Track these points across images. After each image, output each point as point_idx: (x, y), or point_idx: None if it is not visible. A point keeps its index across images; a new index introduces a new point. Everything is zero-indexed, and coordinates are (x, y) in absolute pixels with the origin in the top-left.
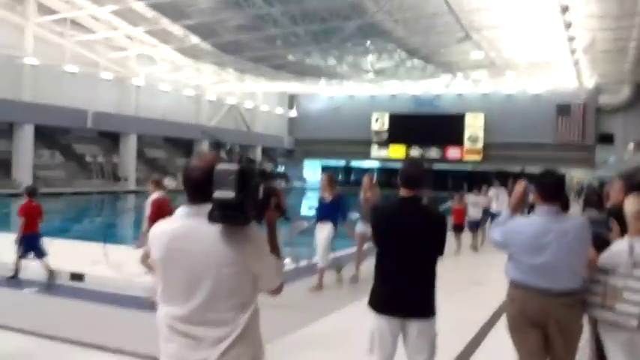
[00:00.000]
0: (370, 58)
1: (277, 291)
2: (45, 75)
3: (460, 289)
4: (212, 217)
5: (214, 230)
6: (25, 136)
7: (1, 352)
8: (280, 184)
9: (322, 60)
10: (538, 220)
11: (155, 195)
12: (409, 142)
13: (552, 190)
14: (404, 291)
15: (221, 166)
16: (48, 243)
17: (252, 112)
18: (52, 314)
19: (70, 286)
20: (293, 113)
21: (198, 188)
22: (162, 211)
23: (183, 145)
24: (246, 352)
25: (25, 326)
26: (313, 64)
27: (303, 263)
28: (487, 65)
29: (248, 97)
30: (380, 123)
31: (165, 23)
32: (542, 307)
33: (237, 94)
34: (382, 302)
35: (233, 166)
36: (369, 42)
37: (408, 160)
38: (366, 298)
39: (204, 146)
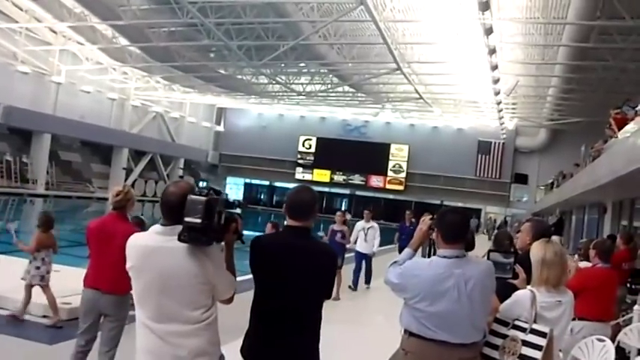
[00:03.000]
0: (302, 79)
1: (229, 301)
2: None
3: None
4: (181, 238)
5: (182, 247)
6: None
7: None
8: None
9: (254, 77)
10: (438, 263)
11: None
12: (334, 167)
13: (455, 231)
14: (284, 339)
15: (192, 197)
16: None
17: (177, 123)
18: None
19: None
20: (220, 127)
21: (172, 211)
22: None
23: (102, 151)
24: (208, 344)
25: None
26: (245, 79)
27: None
28: (415, 98)
29: (175, 107)
30: (307, 145)
31: (94, 21)
32: None
33: (164, 103)
34: (258, 352)
35: (202, 198)
36: (302, 64)
37: (297, 186)
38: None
39: (124, 153)
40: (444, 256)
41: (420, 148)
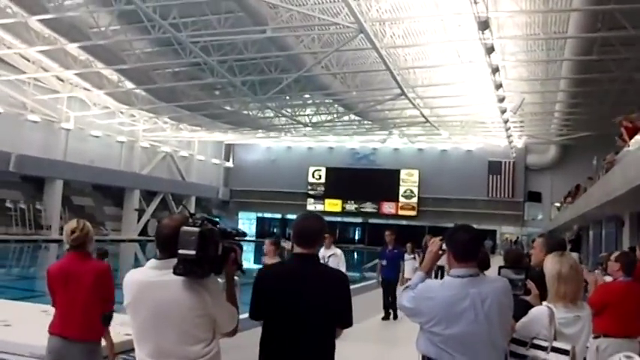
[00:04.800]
0: (307, 111)
1: (232, 333)
2: None
3: (398, 345)
4: (176, 271)
5: (178, 280)
6: None
7: None
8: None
9: (260, 111)
10: (452, 283)
11: None
12: (345, 197)
13: (467, 249)
14: None
15: (185, 228)
16: None
17: (187, 161)
18: None
19: None
20: (229, 164)
21: (166, 244)
22: None
23: (114, 193)
24: None
25: None
26: (251, 114)
27: None
28: (422, 122)
29: (184, 146)
30: (317, 176)
31: (99, 67)
32: None
33: (173, 143)
34: None
35: (195, 229)
36: (306, 95)
37: (304, 214)
38: None
39: (136, 195)
40: (458, 276)
41: (430, 172)
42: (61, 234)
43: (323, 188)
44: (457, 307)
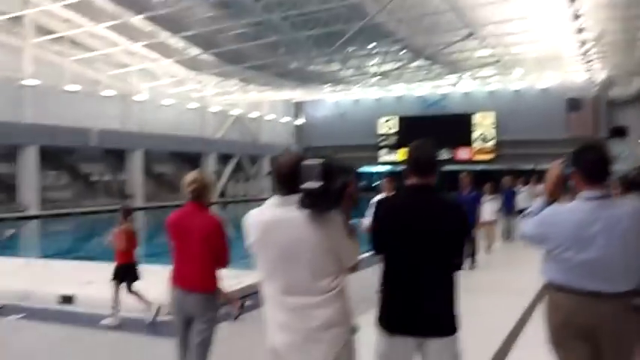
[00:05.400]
0: (374, 60)
1: (354, 269)
2: (46, 95)
3: (478, 295)
4: (302, 204)
5: (302, 215)
6: (29, 157)
7: None
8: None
9: (326, 65)
10: (581, 207)
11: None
12: None
13: (598, 168)
14: (420, 304)
15: (307, 162)
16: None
17: (257, 122)
18: (34, 341)
19: (59, 310)
20: (299, 121)
21: (286, 181)
22: None
23: (190, 159)
24: (340, 314)
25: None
26: (317, 70)
27: None
28: (494, 62)
29: (253, 107)
30: (388, 126)
31: (165, 36)
32: (591, 315)
33: (242, 105)
34: (393, 320)
35: (317, 161)
36: (372, 44)
37: (419, 141)
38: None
39: (211, 159)
40: (587, 198)
41: (505, 115)
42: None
43: (395, 138)
44: (588, 232)
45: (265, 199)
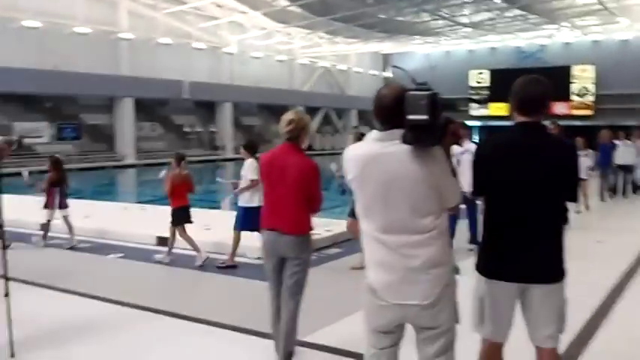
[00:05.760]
0: (466, 10)
1: (454, 209)
2: (140, 49)
3: (580, 248)
4: (406, 139)
5: (404, 150)
6: (126, 109)
7: (83, 318)
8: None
9: (415, 16)
10: None
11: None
12: None
13: None
14: (526, 248)
15: (413, 92)
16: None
17: (345, 75)
18: (133, 280)
19: (155, 250)
20: (387, 74)
21: (388, 114)
22: None
23: (278, 112)
24: (441, 253)
25: (107, 293)
26: (406, 21)
27: None
28: (597, 10)
29: (341, 60)
30: (480, 79)
31: None
32: None
33: (330, 57)
34: (496, 265)
35: (424, 92)
36: None
37: (526, 77)
38: None
39: (308, 119)
40: None
41: (607, 67)
42: (236, 153)
43: (487, 92)
44: None
45: None
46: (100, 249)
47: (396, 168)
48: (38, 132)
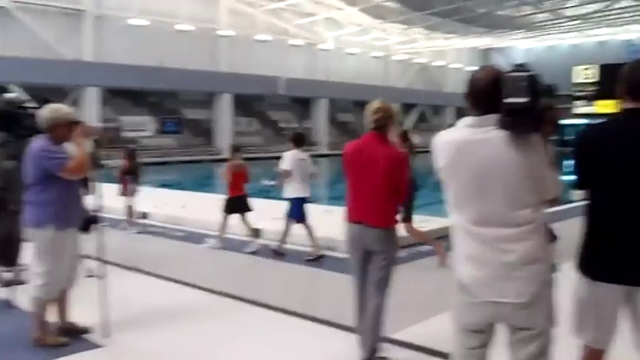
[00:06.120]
0: (572, 2)
1: (553, 202)
2: (239, 45)
3: None
4: (503, 124)
5: (500, 137)
6: (224, 104)
7: (174, 303)
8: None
9: (516, 9)
10: None
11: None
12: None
13: None
14: (635, 249)
15: (513, 74)
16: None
17: (442, 71)
18: (223, 269)
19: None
20: None
21: (481, 98)
22: None
23: None
24: (539, 248)
25: (198, 280)
26: (506, 14)
27: None
28: None
29: (438, 56)
30: (586, 75)
31: None
32: None
33: (426, 54)
34: (600, 265)
35: (524, 74)
36: None
37: (636, 60)
38: None
39: (395, 108)
40: None
41: None
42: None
43: (594, 88)
44: None
45: None
46: (194, 238)
47: (492, 155)
48: (143, 126)
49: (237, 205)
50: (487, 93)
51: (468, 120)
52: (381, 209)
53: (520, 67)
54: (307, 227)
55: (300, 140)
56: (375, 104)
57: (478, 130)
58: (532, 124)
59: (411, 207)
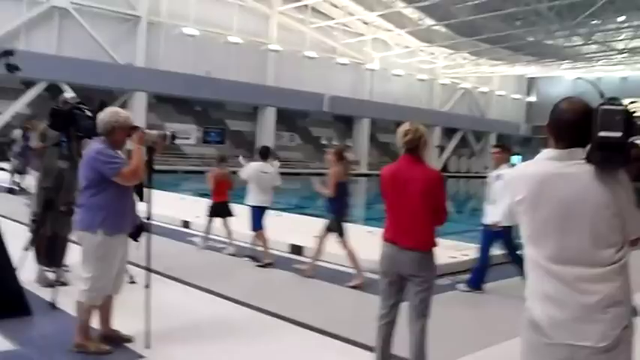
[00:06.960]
0: (623, 35)
1: (637, 242)
2: (286, 60)
3: None
4: (593, 157)
5: (588, 172)
6: (268, 118)
7: (218, 317)
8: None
9: (566, 40)
10: None
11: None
12: None
13: None
14: None
15: (607, 107)
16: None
17: (486, 97)
18: (265, 286)
19: (288, 258)
20: (532, 98)
21: (568, 130)
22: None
23: None
24: (622, 291)
25: (240, 296)
26: (555, 44)
27: None
28: None
29: (483, 82)
30: (635, 109)
31: (400, 6)
32: None
33: (472, 79)
34: None
35: (619, 107)
36: (622, 17)
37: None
38: None
39: (436, 132)
40: None
41: None
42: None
43: None
44: None
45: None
46: (236, 252)
47: (577, 190)
48: (187, 134)
49: (219, 209)
50: (575, 125)
51: (551, 152)
52: (420, 231)
53: (614, 101)
54: (262, 236)
55: (265, 154)
56: (404, 127)
57: (563, 163)
58: (623, 160)
59: (341, 221)
